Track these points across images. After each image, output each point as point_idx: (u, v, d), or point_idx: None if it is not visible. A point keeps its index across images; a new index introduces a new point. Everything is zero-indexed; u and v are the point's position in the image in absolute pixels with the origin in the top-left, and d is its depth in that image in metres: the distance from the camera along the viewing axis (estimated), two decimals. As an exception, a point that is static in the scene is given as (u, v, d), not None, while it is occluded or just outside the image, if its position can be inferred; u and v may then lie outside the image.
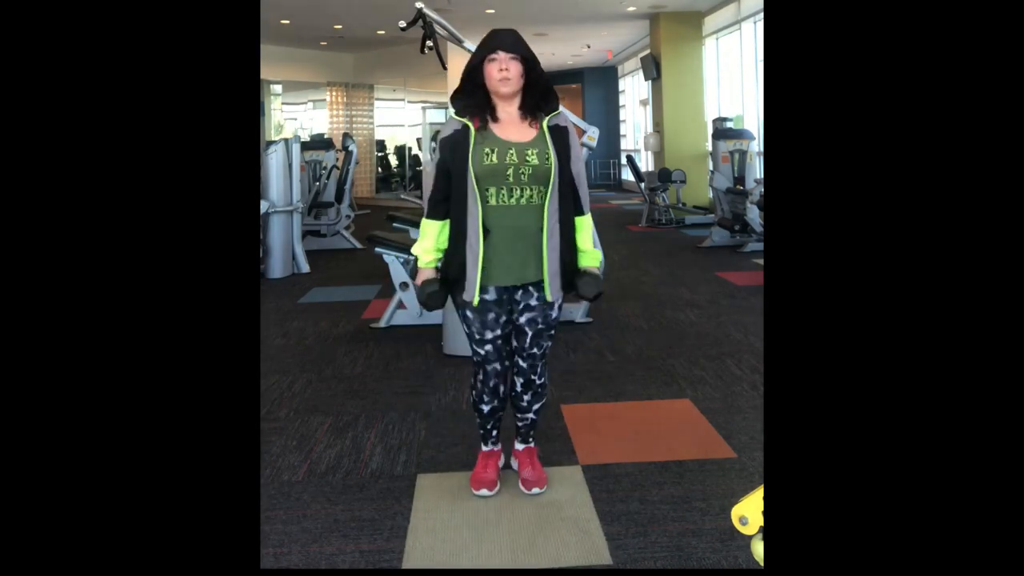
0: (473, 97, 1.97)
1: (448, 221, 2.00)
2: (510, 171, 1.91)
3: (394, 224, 4.58)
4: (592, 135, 4.03)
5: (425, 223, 2.04)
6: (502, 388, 2.13)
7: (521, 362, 2.10)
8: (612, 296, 4.96)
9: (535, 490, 2.17)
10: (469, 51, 3.95)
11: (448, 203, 1.99)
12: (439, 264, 2.05)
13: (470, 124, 1.95)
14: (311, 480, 2.35)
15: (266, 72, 12.21)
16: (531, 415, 2.18)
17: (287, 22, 10.46)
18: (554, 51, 13.89)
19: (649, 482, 2.25)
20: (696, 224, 8.80)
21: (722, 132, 8.00)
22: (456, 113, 1.99)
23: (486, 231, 1.94)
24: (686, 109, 11.01)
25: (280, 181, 6.15)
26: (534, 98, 1.98)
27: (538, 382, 2.13)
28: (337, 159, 8.71)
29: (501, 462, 2.29)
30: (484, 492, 2.17)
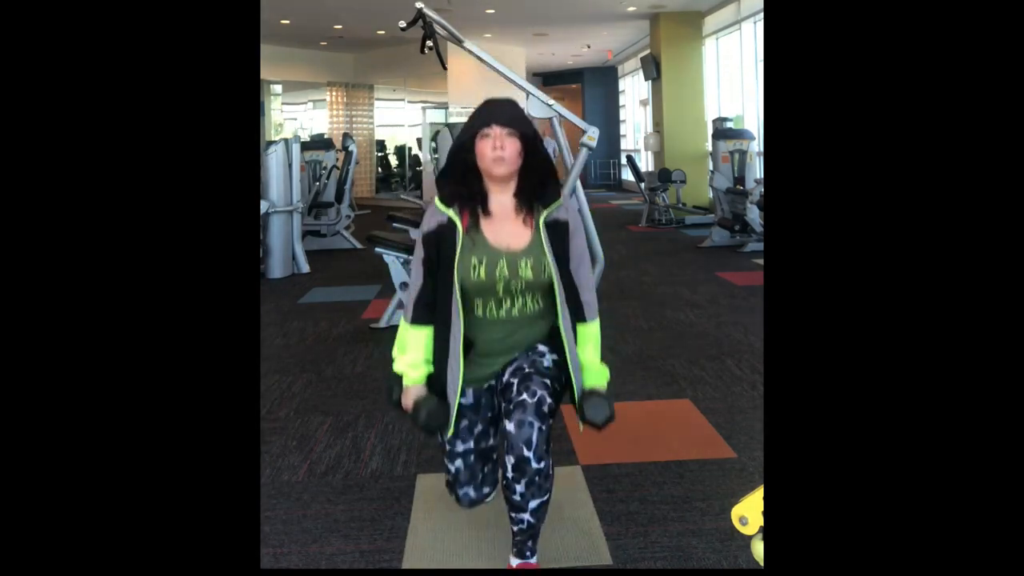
0: (462, 181, 1.65)
1: (433, 328, 1.68)
2: (500, 285, 1.61)
3: (394, 224, 4.58)
4: (592, 135, 4.02)
5: (409, 331, 1.68)
6: (487, 491, 1.73)
7: (509, 426, 1.55)
8: (612, 296, 4.97)
9: None
10: (469, 51, 3.95)
11: (434, 307, 1.66)
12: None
13: (457, 221, 1.62)
14: (311, 480, 2.34)
15: (266, 72, 12.22)
16: (527, 516, 1.60)
17: (287, 22, 10.46)
18: (554, 51, 13.90)
19: (649, 482, 2.25)
20: (696, 224, 8.81)
21: (722, 132, 8.01)
22: (441, 200, 1.65)
23: (468, 343, 1.64)
24: (686, 109, 11.02)
25: (280, 181, 6.15)
26: (531, 184, 1.65)
27: (535, 465, 1.53)
28: (337, 159, 8.72)
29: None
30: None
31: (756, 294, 4.98)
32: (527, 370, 1.64)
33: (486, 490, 1.72)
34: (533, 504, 1.58)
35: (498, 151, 1.60)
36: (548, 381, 1.63)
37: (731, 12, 10.06)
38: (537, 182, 1.66)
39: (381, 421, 2.85)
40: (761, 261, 6.22)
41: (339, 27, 11.11)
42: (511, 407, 1.59)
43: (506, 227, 1.65)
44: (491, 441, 1.73)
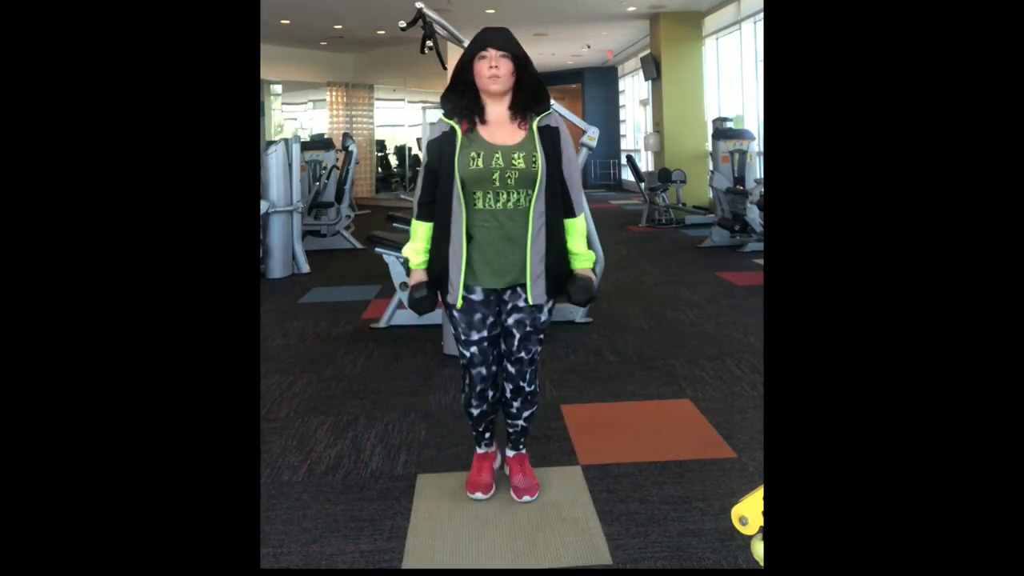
0: (462, 98, 1.94)
1: (434, 223, 1.99)
2: (496, 175, 1.88)
3: (394, 224, 4.58)
4: (592, 135, 4.03)
5: (415, 224, 2.01)
6: (490, 393, 2.08)
7: (509, 367, 2.05)
8: (612, 296, 4.96)
9: (526, 498, 2.13)
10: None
11: (435, 204, 1.97)
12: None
13: (457, 127, 1.92)
14: (311, 480, 2.34)
15: (266, 72, 12.21)
16: (521, 422, 2.13)
17: (287, 22, 10.45)
18: (554, 51, 13.87)
19: (649, 482, 2.25)
20: (696, 224, 8.79)
21: (722, 132, 7.98)
22: (444, 115, 1.96)
23: (470, 235, 1.92)
24: (686, 109, 10.99)
25: (280, 181, 6.14)
26: (524, 98, 1.94)
27: (527, 389, 2.07)
28: (337, 159, 8.70)
29: (497, 463, 2.27)
30: (479, 496, 2.15)
31: (756, 294, 4.97)
32: (528, 328, 1.99)
33: (494, 368, 2.05)
34: (526, 414, 2.12)
35: (493, 70, 1.87)
36: (542, 336, 2.04)
37: (731, 12, 10.04)
38: (530, 96, 1.94)
39: (381, 421, 2.84)
40: (761, 261, 6.22)
41: (339, 27, 11.10)
42: (512, 357, 2.03)
43: (502, 129, 1.93)
44: (498, 331, 2.03)
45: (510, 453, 2.22)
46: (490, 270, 1.94)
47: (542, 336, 2.04)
